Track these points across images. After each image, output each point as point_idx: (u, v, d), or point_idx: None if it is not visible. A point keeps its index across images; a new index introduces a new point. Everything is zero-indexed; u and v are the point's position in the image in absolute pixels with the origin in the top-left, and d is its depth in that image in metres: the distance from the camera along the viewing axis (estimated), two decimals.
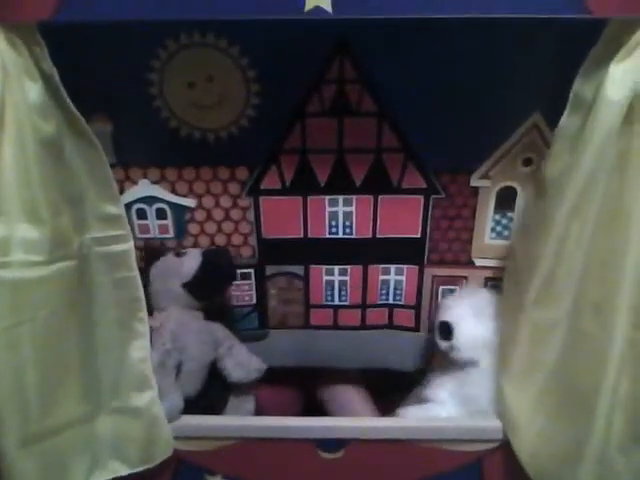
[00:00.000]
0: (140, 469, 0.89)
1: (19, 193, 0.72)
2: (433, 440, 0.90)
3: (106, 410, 0.88)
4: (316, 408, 1.17)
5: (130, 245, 0.85)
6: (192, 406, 0.97)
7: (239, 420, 0.95)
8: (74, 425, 0.84)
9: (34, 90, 0.70)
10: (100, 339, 0.86)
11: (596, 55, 0.70)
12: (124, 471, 0.88)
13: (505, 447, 0.89)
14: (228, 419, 0.96)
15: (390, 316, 1.15)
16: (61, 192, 0.76)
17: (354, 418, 0.92)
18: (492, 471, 0.92)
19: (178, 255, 1.03)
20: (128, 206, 1.01)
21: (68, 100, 0.73)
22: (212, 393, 1.03)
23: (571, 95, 0.73)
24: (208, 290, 1.05)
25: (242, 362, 1.04)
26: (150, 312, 0.95)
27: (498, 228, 1.03)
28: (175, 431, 0.90)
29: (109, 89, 0.91)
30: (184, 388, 0.98)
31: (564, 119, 0.74)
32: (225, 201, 1.04)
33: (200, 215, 1.05)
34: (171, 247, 1.07)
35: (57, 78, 0.70)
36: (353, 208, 1.04)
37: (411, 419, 0.91)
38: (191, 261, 1.01)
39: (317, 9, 0.66)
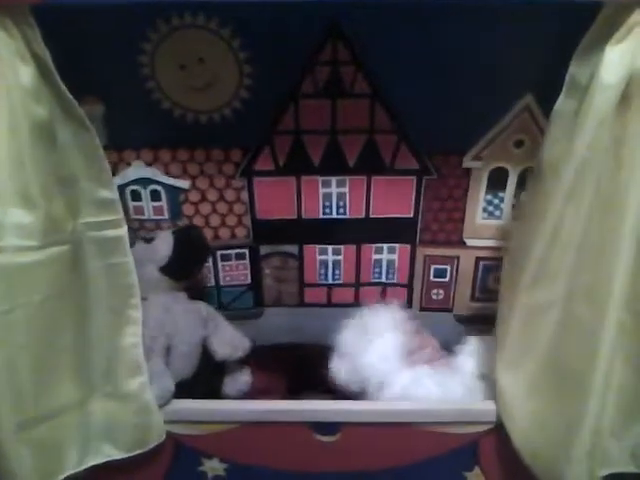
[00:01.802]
0: (133, 453, 0.89)
1: (12, 178, 0.71)
2: (428, 423, 0.90)
3: (98, 395, 0.88)
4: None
5: (124, 230, 0.83)
6: (190, 388, 0.98)
7: (236, 404, 0.95)
8: (67, 410, 0.84)
9: (27, 73, 0.68)
10: (93, 324, 0.85)
11: (591, 38, 0.69)
12: (117, 455, 0.89)
13: (500, 429, 0.90)
14: (225, 403, 0.96)
15: (383, 294, 1.16)
16: (54, 176, 0.75)
17: (350, 401, 0.93)
18: (487, 453, 0.93)
19: (147, 241, 1.03)
20: (122, 188, 1.01)
21: (61, 83, 0.71)
22: (208, 372, 1.04)
23: (567, 78, 0.72)
24: (186, 269, 1.04)
25: (227, 340, 1.04)
26: None
27: (490, 208, 1.04)
28: (172, 415, 0.91)
29: (101, 71, 0.90)
30: (180, 371, 0.98)
31: (560, 102, 0.74)
32: (219, 182, 1.04)
33: (194, 196, 1.05)
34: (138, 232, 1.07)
35: (50, 61, 0.69)
36: (346, 189, 1.04)
37: (406, 402, 0.92)
38: (163, 244, 1.00)
39: None
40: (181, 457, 0.93)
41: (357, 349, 0.96)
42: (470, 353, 0.99)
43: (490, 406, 0.91)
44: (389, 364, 0.95)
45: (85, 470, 0.87)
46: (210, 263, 1.13)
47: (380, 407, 0.91)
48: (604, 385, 0.77)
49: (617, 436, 0.84)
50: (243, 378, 1.08)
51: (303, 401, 0.95)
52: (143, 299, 0.90)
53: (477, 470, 0.94)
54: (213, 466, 0.94)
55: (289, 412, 0.91)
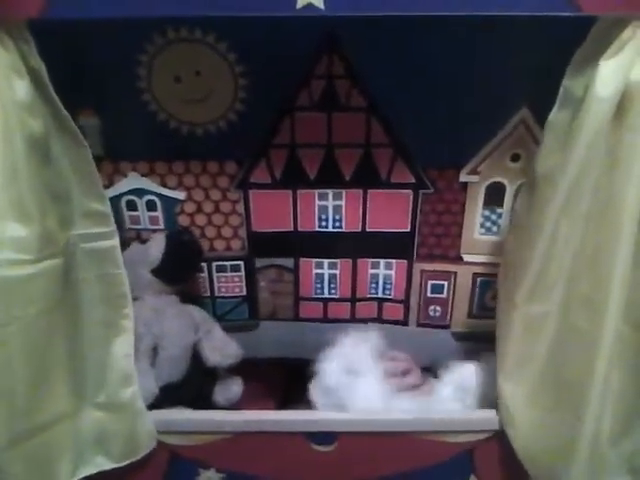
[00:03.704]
0: (124, 463, 0.89)
1: (7, 191, 0.71)
2: (425, 432, 0.90)
3: (90, 405, 0.88)
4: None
5: (116, 242, 0.84)
6: (179, 392, 0.98)
7: (232, 414, 0.95)
8: (60, 422, 0.84)
9: (22, 87, 0.69)
10: (86, 335, 0.86)
11: (585, 51, 0.70)
12: (108, 465, 0.89)
13: (497, 437, 0.90)
14: (221, 413, 0.96)
15: (379, 310, 1.16)
16: (48, 190, 0.76)
17: (346, 411, 0.92)
18: (483, 461, 0.93)
19: (143, 243, 1.04)
20: (118, 197, 1.02)
21: (56, 97, 0.72)
22: (198, 377, 1.04)
23: (561, 91, 0.73)
24: (177, 273, 1.05)
25: (218, 347, 1.04)
26: None
27: (487, 224, 1.03)
28: (168, 426, 0.91)
29: (97, 83, 0.90)
30: (169, 374, 0.99)
31: (554, 115, 0.74)
32: (215, 194, 1.04)
33: (190, 207, 1.05)
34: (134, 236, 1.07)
35: (45, 75, 0.70)
36: (343, 202, 1.04)
37: (403, 412, 0.92)
38: (156, 246, 1.01)
39: (309, 6, 0.65)
40: (178, 467, 0.93)
41: (339, 386, 0.95)
42: (451, 381, 0.99)
43: (487, 415, 0.91)
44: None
45: None
46: (205, 274, 1.13)
47: (377, 417, 0.91)
48: (602, 394, 0.77)
49: (615, 444, 0.84)
50: (234, 388, 1.07)
51: (299, 411, 0.95)
52: (134, 299, 0.91)
53: (473, 478, 0.94)
54: (210, 476, 0.94)
55: (285, 422, 0.91)
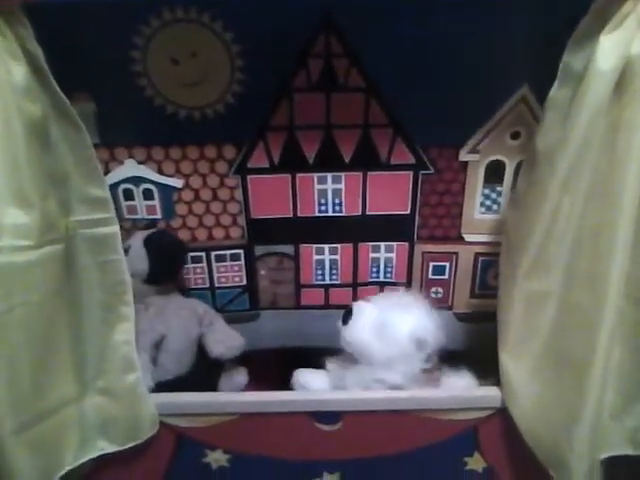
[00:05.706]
0: (127, 447, 0.90)
1: (7, 177, 0.71)
2: (429, 410, 0.91)
3: (92, 390, 0.88)
4: None
5: (115, 228, 0.84)
6: (186, 384, 0.98)
7: (237, 396, 0.96)
8: (64, 407, 0.84)
9: (19, 72, 0.69)
10: (87, 321, 0.86)
11: (586, 26, 0.70)
12: (111, 449, 0.90)
13: (499, 414, 0.91)
14: (227, 395, 0.97)
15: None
16: (48, 176, 0.76)
17: (350, 391, 0.93)
18: (487, 438, 0.93)
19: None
20: (115, 186, 1.01)
21: (53, 82, 0.72)
22: (204, 369, 1.04)
23: (561, 66, 0.73)
24: (168, 274, 1.05)
25: (221, 339, 1.04)
26: None
27: (487, 202, 1.03)
28: (175, 408, 0.92)
29: (92, 68, 0.89)
30: (174, 368, 1.00)
31: (554, 91, 0.74)
32: (212, 181, 1.03)
33: (187, 195, 1.04)
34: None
35: (43, 59, 0.70)
36: (342, 185, 1.03)
37: (406, 391, 0.92)
38: (138, 259, 1.00)
39: None
40: (185, 449, 0.94)
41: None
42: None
43: (489, 392, 0.92)
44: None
45: (88, 465, 0.88)
46: (204, 264, 1.12)
47: (381, 395, 0.92)
48: (604, 370, 0.78)
49: (616, 419, 0.85)
50: (239, 378, 1.08)
51: (304, 391, 0.96)
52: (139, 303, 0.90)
53: (477, 455, 0.95)
54: (217, 457, 0.95)
55: (291, 402, 0.92)
